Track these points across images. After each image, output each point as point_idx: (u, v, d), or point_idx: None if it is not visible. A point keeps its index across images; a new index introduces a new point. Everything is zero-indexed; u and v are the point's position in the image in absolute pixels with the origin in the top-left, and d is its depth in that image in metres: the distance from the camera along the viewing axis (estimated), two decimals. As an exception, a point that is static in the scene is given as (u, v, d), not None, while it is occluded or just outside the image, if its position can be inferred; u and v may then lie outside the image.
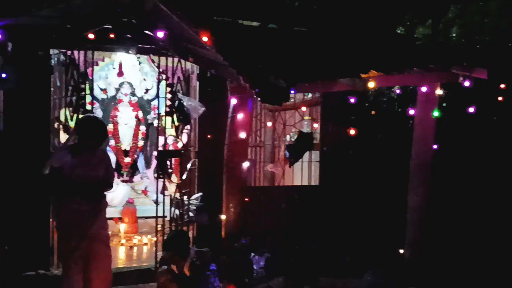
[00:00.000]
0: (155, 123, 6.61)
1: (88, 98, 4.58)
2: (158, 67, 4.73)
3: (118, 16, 3.63)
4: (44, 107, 4.59)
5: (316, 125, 6.11)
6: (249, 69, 3.15)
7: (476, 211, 5.12)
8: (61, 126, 4.81)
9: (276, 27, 4.77)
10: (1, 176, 4.31)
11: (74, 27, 4.14)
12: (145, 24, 3.79)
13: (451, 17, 5.77)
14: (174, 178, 5.09)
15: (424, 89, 4.12)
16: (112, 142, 6.63)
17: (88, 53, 4.52)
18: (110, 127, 6.57)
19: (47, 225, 4.48)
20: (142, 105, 6.78)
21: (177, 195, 4.73)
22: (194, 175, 5.28)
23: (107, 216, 3.90)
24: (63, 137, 4.68)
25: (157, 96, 4.82)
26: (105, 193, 3.79)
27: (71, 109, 4.52)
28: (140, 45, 4.57)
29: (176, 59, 4.52)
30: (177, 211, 4.74)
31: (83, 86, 4.52)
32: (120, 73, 6.59)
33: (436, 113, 4.16)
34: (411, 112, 4.47)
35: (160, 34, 3.42)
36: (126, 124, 6.68)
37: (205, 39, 3.06)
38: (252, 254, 4.00)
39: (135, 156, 6.77)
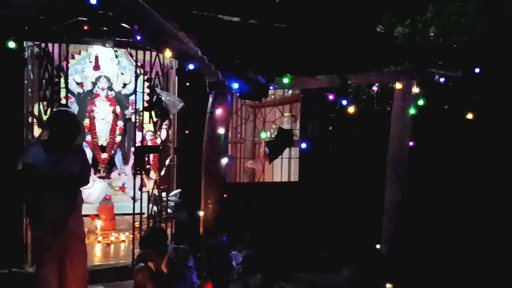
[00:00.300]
0: (133, 118, 6.52)
1: (64, 92, 4.48)
2: (136, 61, 4.66)
3: (94, 8, 3.54)
4: (18, 101, 4.47)
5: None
6: (228, 64, 3.12)
7: (452, 206, 5.23)
8: (35, 120, 4.71)
9: (256, 22, 4.76)
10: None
11: (48, 18, 4.04)
12: (122, 16, 3.72)
13: (429, 17, 5.86)
14: (153, 174, 5.03)
15: (400, 86, 4.18)
16: (88, 138, 6.52)
17: (64, 46, 4.42)
18: (86, 122, 6.46)
19: (20, 222, 4.37)
20: (120, 100, 6.67)
21: (155, 191, 4.68)
22: (173, 171, 5.23)
23: (84, 213, 3.83)
24: (38, 132, 4.57)
25: (135, 91, 4.74)
26: (81, 189, 3.72)
27: (45, 103, 4.42)
28: (117, 39, 4.48)
29: (154, 53, 4.45)
30: (155, 208, 4.69)
31: (58, 79, 4.43)
32: (97, 67, 6.47)
33: (412, 111, 4.22)
34: (389, 109, 4.52)
35: (137, 27, 3.36)
36: (103, 119, 6.57)
37: (182, 32, 3.02)
38: (231, 250, 3.99)
39: (113, 152, 6.66)
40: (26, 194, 3.53)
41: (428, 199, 5.19)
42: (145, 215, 4.70)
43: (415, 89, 4.19)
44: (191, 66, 3.56)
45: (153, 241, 3.62)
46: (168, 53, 3.65)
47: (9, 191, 4.11)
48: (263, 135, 4.98)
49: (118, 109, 6.64)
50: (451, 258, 4.72)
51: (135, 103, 5.09)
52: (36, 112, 4.72)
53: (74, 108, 6.28)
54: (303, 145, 4.88)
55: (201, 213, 4.01)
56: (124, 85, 6.69)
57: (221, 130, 3.86)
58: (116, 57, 6.49)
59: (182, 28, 3.09)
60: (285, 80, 3.52)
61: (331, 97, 4.18)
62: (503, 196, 5.11)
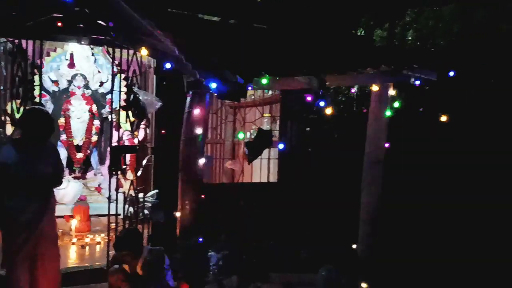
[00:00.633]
0: (110, 117, 6.41)
1: (38, 90, 4.37)
2: (114, 59, 4.58)
3: (68, 5, 3.47)
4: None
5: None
6: (205, 64, 3.10)
7: (427, 207, 5.32)
8: (8, 118, 4.58)
9: (236, 22, 4.75)
10: None
11: (22, 15, 3.93)
12: (97, 13, 3.65)
13: (408, 20, 5.96)
14: (129, 174, 4.95)
15: (376, 88, 4.23)
16: (63, 137, 6.37)
17: (39, 42, 4.31)
18: (61, 121, 6.31)
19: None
20: (97, 99, 6.54)
21: (132, 192, 4.61)
22: (150, 172, 5.17)
23: (58, 214, 3.75)
24: (10, 130, 4.45)
25: (112, 89, 4.65)
26: (55, 190, 3.63)
27: (18, 101, 4.30)
28: (93, 36, 4.40)
29: (131, 52, 4.39)
30: (131, 209, 4.62)
31: (32, 77, 4.32)
32: (71, 65, 6.33)
33: (388, 113, 4.28)
34: (365, 111, 4.58)
35: (112, 24, 3.30)
36: (79, 118, 6.42)
37: (158, 31, 2.98)
38: (208, 251, 3.97)
39: (88, 151, 6.53)
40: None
41: (404, 200, 5.26)
42: (121, 216, 4.62)
43: (391, 92, 4.25)
44: (168, 65, 3.51)
45: (128, 243, 3.57)
46: (144, 51, 3.60)
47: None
48: (241, 135, 4.97)
49: (94, 108, 6.51)
50: (427, 257, 4.80)
51: (112, 102, 5.00)
52: (9, 110, 4.59)
53: (49, 106, 6.13)
54: (281, 146, 4.90)
55: (178, 214, 3.97)
56: (101, 84, 6.57)
57: (198, 130, 3.83)
58: (93, 54, 6.38)
59: (159, 26, 3.05)
60: (264, 81, 3.51)
61: (309, 98, 4.20)
62: (479, 196, 5.21)
